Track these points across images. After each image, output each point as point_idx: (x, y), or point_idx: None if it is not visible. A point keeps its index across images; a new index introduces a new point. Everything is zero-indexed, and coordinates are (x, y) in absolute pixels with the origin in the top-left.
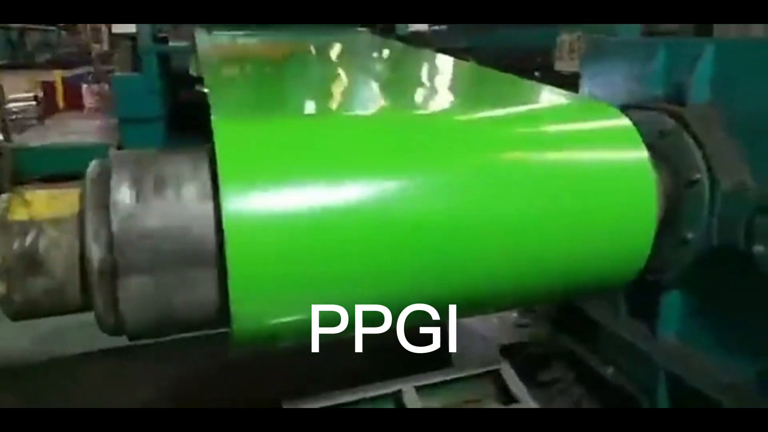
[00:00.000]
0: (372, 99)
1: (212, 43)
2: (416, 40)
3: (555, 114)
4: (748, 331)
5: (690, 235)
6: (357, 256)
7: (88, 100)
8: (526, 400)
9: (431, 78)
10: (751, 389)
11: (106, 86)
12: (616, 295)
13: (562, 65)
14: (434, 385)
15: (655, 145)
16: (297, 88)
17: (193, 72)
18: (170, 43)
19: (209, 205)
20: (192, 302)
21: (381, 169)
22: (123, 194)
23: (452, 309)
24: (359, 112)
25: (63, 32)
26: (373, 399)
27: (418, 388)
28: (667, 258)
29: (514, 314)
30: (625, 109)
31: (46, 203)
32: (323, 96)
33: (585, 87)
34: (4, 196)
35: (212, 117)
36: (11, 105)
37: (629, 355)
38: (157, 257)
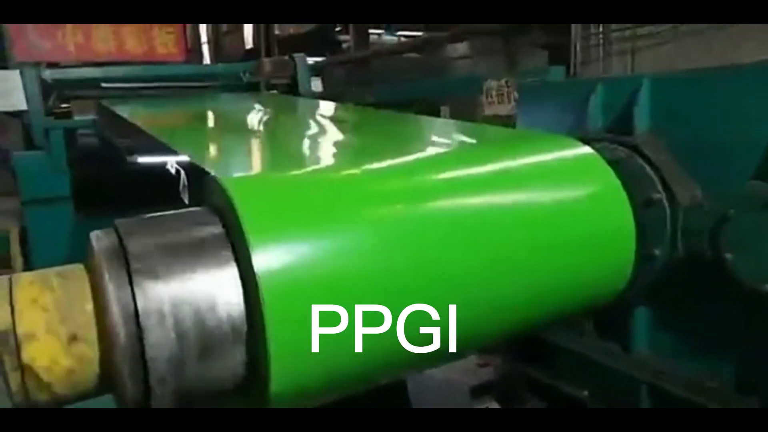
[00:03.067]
0: (351, 152)
1: (135, 114)
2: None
3: (521, 150)
4: (720, 335)
5: (656, 251)
6: (396, 296)
7: None
8: None
9: (386, 128)
10: (733, 391)
11: None
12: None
13: (492, 109)
14: None
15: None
16: (263, 147)
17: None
18: (75, 117)
19: (233, 268)
20: (222, 372)
21: (393, 214)
22: (142, 275)
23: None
24: (348, 164)
25: None
26: None
27: None
28: (638, 274)
29: (472, 355)
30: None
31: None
32: (306, 151)
33: (522, 127)
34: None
35: (213, 175)
36: None
37: (603, 375)
38: (184, 332)
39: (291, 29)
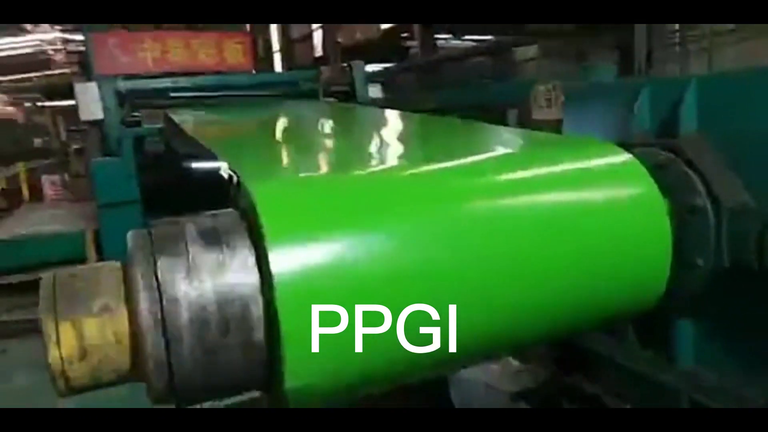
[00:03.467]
0: (379, 158)
1: (195, 121)
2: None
3: (559, 155)
4: (759, 350)
5: (699, 260)
6: (408, 301)
7: (50, 192)
8: None
9: (425, 136)
10: None
11: (65, 176)
12: (621, 327)
13: (541, 114)
14: None
15: (655, 178)
16: (299, 152)
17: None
18: (144, 126)
19: (253, 268)
20: (241, 367)
21: (416, 218)
22: (167, 270)
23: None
24: (376, 167)
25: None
26: None
27: None
28: (677, 285)
29: (515, 361)
30: (624, 146)
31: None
32: (333, 156)
33: (569, 131)
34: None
35: (242, 180)
36: None
37: (646, 387)
38: (206, 327)
39: (358, 33)
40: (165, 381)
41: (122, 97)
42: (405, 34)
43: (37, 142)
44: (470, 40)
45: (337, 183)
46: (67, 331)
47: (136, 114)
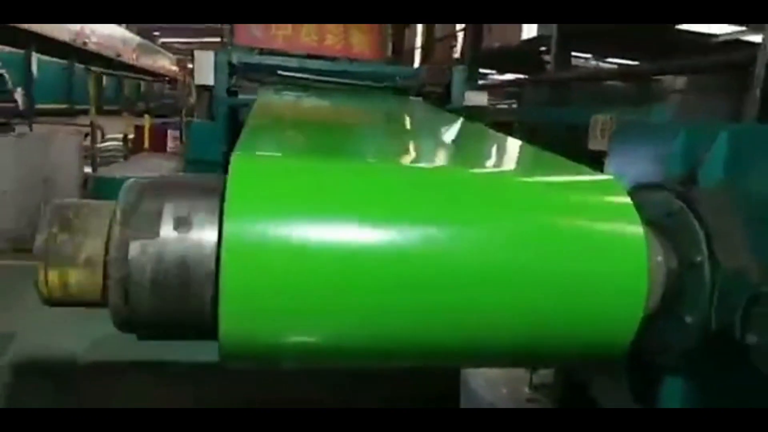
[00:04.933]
0: (388, 153)
1: (269, 98)
2: (468, 113)
3: (556, 183)
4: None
5: (689, 319)
6: (345, 293)
7: (170, 144)
8: None
9: (450, 139)
10: None
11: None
12: (619, 376)
13: (595, 144)
14: None
15: (662, 225)
16: (327, 139)
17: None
18: (240, 96)
19: (215, 228)
20: (191, 313)
21: (375, 214)
22: (138, 214)
23: (433, 353)
24: (369, 161)
25: (167, 84)
26: None
27: None
28: (667, 340)
29: (526, 389)
30: (640, 188)
31: (86, 213)
32: (346, 146)
33: (610, 165)
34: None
35: (233, 152)
36: (105, 144)
37: None
38: (164, 268)
39: (497, 41)
40: (124, 310)
41: (234, 69)
42: (543, 48)
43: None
44: (612, 62)
45: (311, 167)
46: (52, 240)
47: (239, 86)
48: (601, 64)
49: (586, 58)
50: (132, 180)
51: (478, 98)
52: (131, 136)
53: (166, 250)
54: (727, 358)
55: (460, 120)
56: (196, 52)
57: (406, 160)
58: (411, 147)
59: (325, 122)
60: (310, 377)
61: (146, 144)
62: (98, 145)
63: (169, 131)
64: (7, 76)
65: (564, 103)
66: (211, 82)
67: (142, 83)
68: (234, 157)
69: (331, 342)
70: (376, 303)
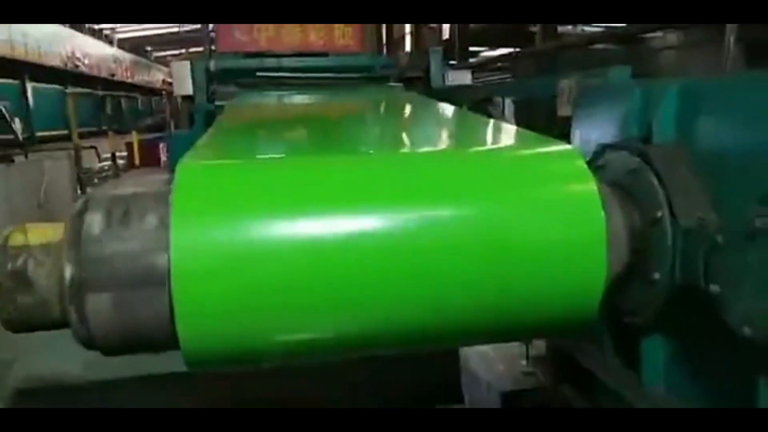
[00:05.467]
0: (345, 143)
1: (242, 101)
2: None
3: (508, 152)
4: (726, 377)
5: (656, 275)
6: (294, 289)
7: (164, 157)
8: None
9: (412, 122)
10: None
11: None
12: (604, 342)
13: (564, 110)
14: None
15: (624, 184)
16: (286, 136)
17: None
18: (216, 102)
19: (165, 234)
20: (149, 322)
21: (320, 206)
22: (92, 224)
23: (393, 340)
24: (313, 155)
25: (164, 99)
26: None
27: None
28: (638, 299)
29: (523, 362)
30: (603, 149)
31: (40, 233)
32: (305, 141)
33: (576, 129)
34: (9, 228)
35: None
36: (101, 164)
37: (617, 405)
38: (117, 278)
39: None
40: (83, 329)
41: (211, 76)
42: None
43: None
44: (600, 26)
45: (255, 168)
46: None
47: (222, 92)
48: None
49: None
50: (83, 197)
51: (460, 77)
52: (121, 153)
53: (120, 263)
54: (697, 313)
55: (431, 102)
56: (173, 63)
57: (360, 148)
58: (370, 135)
59: (290, 119)
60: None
61: (136, 160)
62: (94, 166)
63: (162, 145)
64: (4, 108)
65: (555, 72)
66: (189, 91)
67: (140, 99)
68: (179, 166)
69: (290, 338)
70: (330, 294)
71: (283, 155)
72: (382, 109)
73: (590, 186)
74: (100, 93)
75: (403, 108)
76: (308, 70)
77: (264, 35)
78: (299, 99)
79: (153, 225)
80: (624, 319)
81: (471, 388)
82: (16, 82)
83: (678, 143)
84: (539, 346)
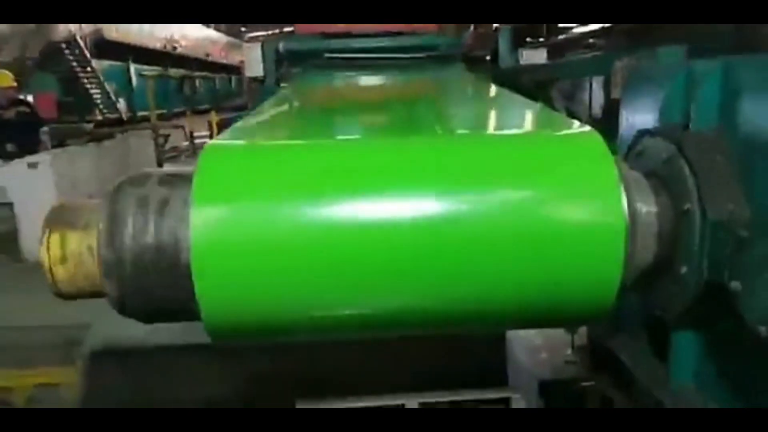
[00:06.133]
0: (376, 128)
1: (299, 83)
2: (509, 75)
3: (522, 136)
4: (753, 379)
5: (684, 270)
6: (305, 268)
7: None
8: None
9: (450, 106)
10: None
11: None
12: (638, 335)
13: (617, 93)
14: None
15: (659, 172)
16: (322, 121)
17: None
18: (281, 84)
19: (188, 213)
20: (174, 296)
21: (334, 189)
22: (123, 204)
23: (409, 321)
24: (343, 138)
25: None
26: None
27: None
28: (667, 293)
29: (569, 351)
30: (641, 135)
31: (83, 211)
32: (331, 125)
33: (624, 113)
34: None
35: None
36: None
37: (648, 402)
38: (143, 254)
39: None
40: (119, 298)
41: (281, 57)
42: None
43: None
44: None
45: (276, 151)
46: (54, 240)
47: (290, 72)
48: None
49: None
50: (120, 178)
51: (536, 56)
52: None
53: (147, 240)
54: (725, 311)
55: (479, 84)
56: (245, 45)
57: (390, 132)
58: (404, 118)
59: (334, 101)
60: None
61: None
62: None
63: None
64: (110, 90)
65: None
66: (260, 73)
67: (233, 78)
68: (205, 147)
69: (309, 314)
70: (347, 275)
71: (307, 139)
72: (426, 91)
73: (610, 172)
74: (195, 74)
75: (446, 91)
76: (370, 51)
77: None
78: (353, 80)
79: (178, 204)
80: (655, 313)
81: (514, 375)
82: (122, 63)
83: (717, 129)
84: (582, 332)
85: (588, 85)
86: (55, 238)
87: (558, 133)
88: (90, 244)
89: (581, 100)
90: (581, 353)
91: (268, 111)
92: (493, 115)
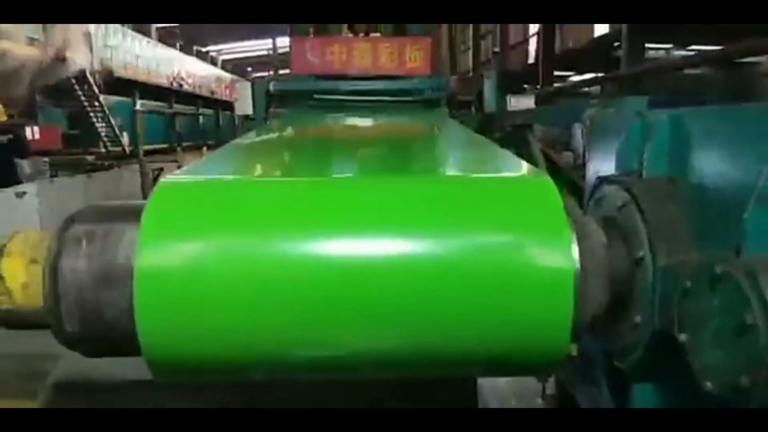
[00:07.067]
0: (335, 167)
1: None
2: (488, 119)
3: (479, 183)
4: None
5: (638, 318)
6: (253, 309)
7: None
8: None
9: (414, 148)
10: None
11: None
12: (600, 382)
13: (585, 140)
14: None
15: (615, 219)
16: (278, 158)
17: None
18: (267, 122)
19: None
20: (118, 330)
21: (285, 228)
22: (71, 236)
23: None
24: (295, 177)
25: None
26: None
27: None
28: (624, 343)
29: (539, 399)
30: (600, 182)
31: (37, 243)
32: (291, 163)
33: (590, 160)
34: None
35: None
36: None
37: None
38: (88, 288)
39: (571, 43)
40: (61, 331)
41: (270, 97)
42: (617, 43)
43: None
44: (692, 49)
45: (225, 187)
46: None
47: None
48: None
49: (667, 48)
50: (77, 210)
51: (523, 102)
52: None
53: (91, 274)
54: (682, 362)
55: (453, 128)
56: (237, 84)
57: (349, 172)
58: (367, 159)
59: (301, 140)
60: None
61: None
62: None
63: None
64: (115, 124)
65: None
66: (249, 111)
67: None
68: (159, 182)
69: (253, 353)
70: (291, 314)
71: (263, 176)
72: (398, 133)
73: (559, 217)
74: (199, 111)
75: (416, 133)
76: (355, 93)
77: (337, 58)
78: (330, 121)
79: (125, 239)
80: (615, 363)
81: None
82: (128, 99)
83: (669, 177)
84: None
85: (580, 132)
86: (8, 267)
87: (508, 177)
88: (38, 276)
89: (574, 147)
90: (551, 401)
91: (235, 147)
92: (453, 158)
